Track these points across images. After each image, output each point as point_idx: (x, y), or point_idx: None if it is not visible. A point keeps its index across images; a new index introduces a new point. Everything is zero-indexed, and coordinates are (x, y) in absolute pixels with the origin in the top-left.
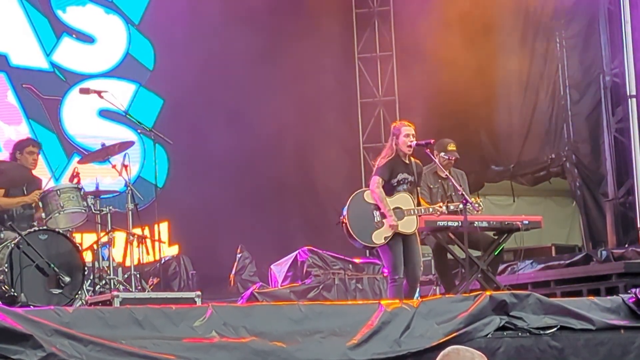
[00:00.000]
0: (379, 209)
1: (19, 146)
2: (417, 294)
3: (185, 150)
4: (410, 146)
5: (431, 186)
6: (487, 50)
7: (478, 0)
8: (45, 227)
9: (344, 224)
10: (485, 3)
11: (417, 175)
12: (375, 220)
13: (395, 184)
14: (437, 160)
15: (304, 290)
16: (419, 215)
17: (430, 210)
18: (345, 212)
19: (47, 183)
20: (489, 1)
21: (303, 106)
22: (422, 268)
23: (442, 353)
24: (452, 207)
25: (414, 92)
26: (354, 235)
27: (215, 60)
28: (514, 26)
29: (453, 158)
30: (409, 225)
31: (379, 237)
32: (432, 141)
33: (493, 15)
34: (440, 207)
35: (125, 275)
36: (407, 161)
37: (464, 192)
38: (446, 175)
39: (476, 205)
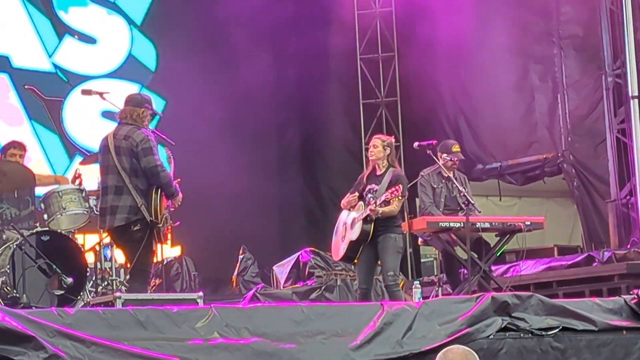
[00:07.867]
0: (344, 224)
1: (3, 149)
2: (418, 296)
3: (187, 151)
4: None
5: (435, 186)
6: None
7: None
8: (47, 228)
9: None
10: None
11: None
12: (342, 235)
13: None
14: (440, 162)
15: (306, 291)
16: (363, 218)
17: (363, 210)
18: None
19: None
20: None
21: (305, 106)
22: (390, 270)
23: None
24: (383, 198)
25: (415, 92)
26: (331, 254)
27: (217, 61)
28: (512, 26)
29: (456, 159)
30: (354, 233)
31: (341, 251)
32: (434, 142)
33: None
34: (371, 204)
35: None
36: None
37: (466, 194)
38: (448, 176)
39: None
